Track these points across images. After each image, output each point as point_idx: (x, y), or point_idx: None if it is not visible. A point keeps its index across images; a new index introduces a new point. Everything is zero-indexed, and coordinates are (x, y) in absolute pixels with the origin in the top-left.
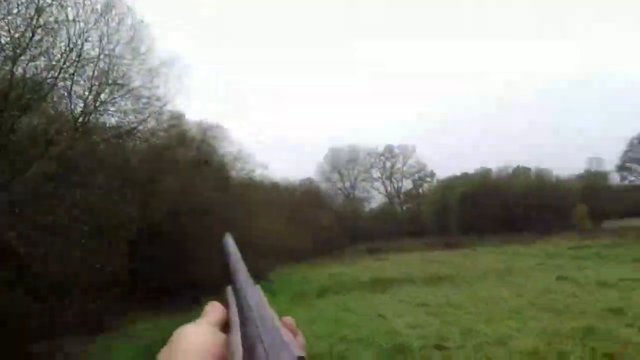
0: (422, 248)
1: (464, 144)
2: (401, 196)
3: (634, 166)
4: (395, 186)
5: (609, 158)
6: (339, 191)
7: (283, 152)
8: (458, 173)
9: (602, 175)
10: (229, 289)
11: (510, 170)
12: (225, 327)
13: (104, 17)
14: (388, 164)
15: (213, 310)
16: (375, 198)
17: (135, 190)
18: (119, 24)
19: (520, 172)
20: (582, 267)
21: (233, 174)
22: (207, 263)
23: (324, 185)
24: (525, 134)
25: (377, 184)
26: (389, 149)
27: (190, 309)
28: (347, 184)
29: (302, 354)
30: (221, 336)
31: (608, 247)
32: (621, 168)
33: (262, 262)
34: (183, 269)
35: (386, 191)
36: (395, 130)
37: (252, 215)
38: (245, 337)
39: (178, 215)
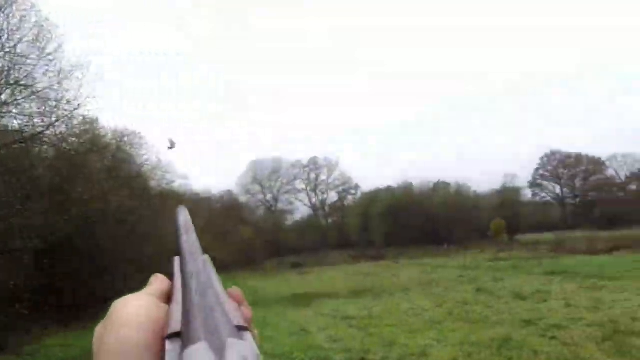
0: (347, 261)
1: (389, 158)
2: (326, 208)
3: (544, 183)
4: (320, 198)
5: (523, 175)
6: (261, 204)
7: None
8: (382, 186)
9: (517, 191)
10: (176, 259)
11: (431, 185)
12: (168, 298)
13: (3, 12)
14: (313, 176)
15: (156, 282)
16: (300, 210)
17: (43, 199)
18: (21, 20)
19: (441, 187)
20: (498, 279)
21: (153, 183)
22: (124, 276)
23: (244, 198)
24: (446, 150)
25: (302, 196)
26: (314, 161)
27: None
28: (270, 196)
29: (243, 323)
30: (162, 307)
31: (523, 260)
32: (533, 184)
33: None
34: (97, 282)
35: (311, 203)
36: (322, 143)
37: (171, 226)
38: (185, 306)
39: (91, 225)
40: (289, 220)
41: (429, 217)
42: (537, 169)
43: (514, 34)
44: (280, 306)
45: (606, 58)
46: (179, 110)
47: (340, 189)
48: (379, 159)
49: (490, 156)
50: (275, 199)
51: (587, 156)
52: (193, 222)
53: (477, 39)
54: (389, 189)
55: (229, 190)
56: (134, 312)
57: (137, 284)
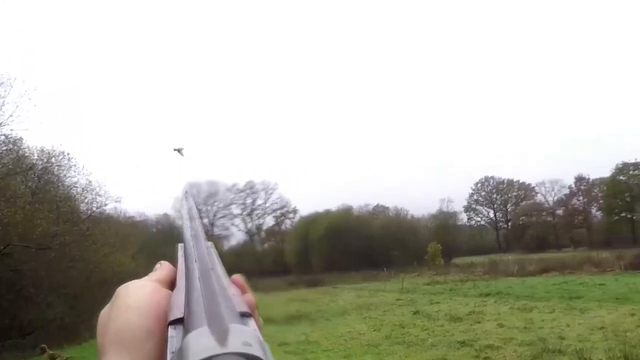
0: (285, 287)
1: (327, 182)
2: (262, 233)
3: (478, 208)
4: (256, 223)
5: (458, 199)
6: None
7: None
8: (321, 210)
9: (453, 215)
10: (180, 246)
11: (370, 209)
12: (172, 284)
13: None
14: (249, 200)
15: (160, 268)
16: (236, 235)
17: None
18: None
19: (380, 211)
20: (435, 302)
21: (82, 207)
22: (49, 304)
23: (180, 222)
24: (385, 174)
25: (237, 221)
26: (250, 185)
27: (29, 356)
28: (206, 221)
29: (246, 309)
30: (165, 292)
31: (458, 283)
32: (468, 209)
33: None
34: (19, 312)
35: (247, 228)
36: (259, 166)
37: (103, 252)
38: (187, 292)
39: (12, 251)
40: (225, 246)
41: (367, 241)
42: (471, 194)
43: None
44: None
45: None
46: (115, 131)
47: (278, 212)
48: (318, 182)
49: (428, 180)
50: (212, 224)
51: (518, 182)
52: (129, 248)
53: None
54: (327, 213)
55: (165, 214)
56: (137, 297)
57: (65, 311)
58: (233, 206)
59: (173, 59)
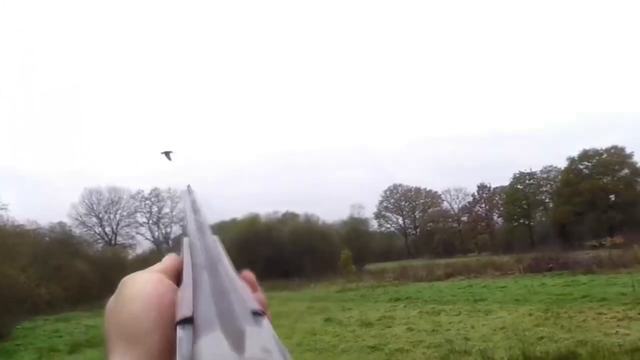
0: None
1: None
2: (170, 242)
3: (388, 214)
4: (164, 232)
5: (370, 206)
6: (99, 237)
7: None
8: (226, 218)
9: (364, 222)
10: (185, 239)
11: (279, 216)
12: (177, 276)
13: None
14: (155, 208)
15: (167, 260)
16: (142, 244)
17: None
18: None
19: (289, 218)
20: (347, 308)
21: None
22: None
23: (79, 230)
24: (293, 181)
25: (143, 229)
26: (156, 193)
27: None
28: (108, 229)
29: (258, 307)
30: (170, 284)
31: (370, 289)
32: (378, 216)
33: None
34: None
35: (153, 237)
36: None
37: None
38: (196, 289)
39: None
40: (131, 255)
41: (277, 249)
42: (381, 202)
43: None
44: None
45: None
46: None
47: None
48: (226, 190)
49: (338, 187)
50: (115, 233)
51: (425, 190)
52: (19, 258)
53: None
54: (234, 221)
55: (60, 222)
56: (142, 288)
57: None
58: (138, 214)
59: None
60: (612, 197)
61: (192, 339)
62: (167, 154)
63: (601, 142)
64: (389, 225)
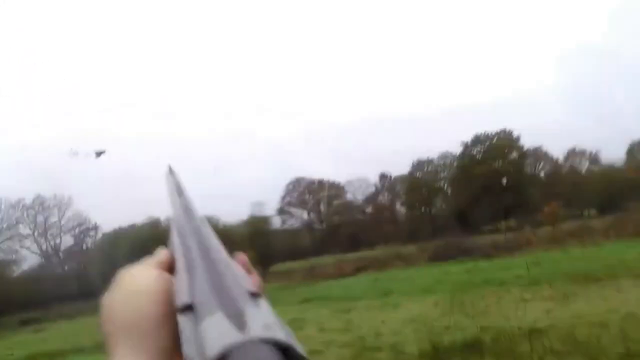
0: (93, 312)
1: (130, 193)
2: (61, 254)
3: (292, 210)
4: (52, 243)
5: (271, 202)
6: None
7: None
8: (125, 224)
9: (266, 220)
10: (172, 224)
11: None
12: (170, 269)
13: None
14: (40, 218)
15: (159, 253)
16: (28, 259)
17: None
18: None
19: None
20: None
21: None
22: None
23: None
24: (188, 182)
25: (28, 242)
26: (40, 201)
27: None
28: None
29: (256, 290)
30: (167, 277)
31: (278, 290)
32: (281, 212)
33: None
34: None
35: (41, 250)
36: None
37: None
38: (191, 274)
39: None
40: (16, 271)
41: None
42: (283, 197)
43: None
44: None
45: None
46: None
47: (77, 230)
48: (120, 194)
49: (236, 184)
50: None
51: (328, 182)
52: None
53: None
54: (133, 227)
55: None
56: (147, 282)
57: None
58: (20, 226)
59: None
60: (504, 180)
61: (194, 324)
62: (98, 153)
63: (492, 126)
64: (293, 221)
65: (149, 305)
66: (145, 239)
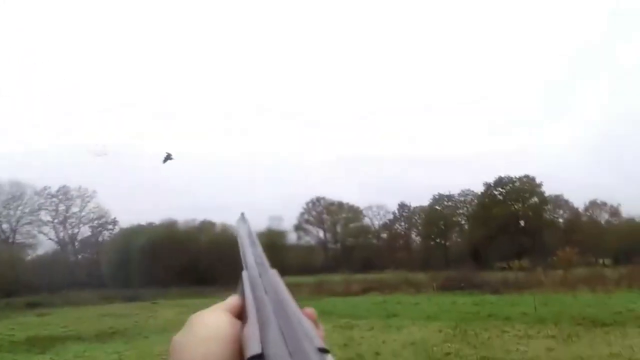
0: (98, 301)
1: (150, 192)
2: (76, 244)
3: (308, 227)
4: (70, 232)
5: (288, 218)
6: None
7: None
8: (143, 222)
9: (282, 234)
10: (244, 274)
11: (196, 223)
12: (240, 315)
13: None
14: (62, 207)
15: (231, 299)
16: (44, 244)
17: None
18: None
19: (206, 226)
20: None
21: None
22: None
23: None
24: (211, 189)
25: (47, 229)
26: (65, 191)
27: None
28: (6, 226)
29: (323, 345)
30: (237, 323)
31: None
32: (298, 228)
33: None
34: None
35: (58, 237)
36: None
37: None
38: (263, 326)
39: None
40: (30, 255)
41: (193, 257)
42: (302, 214)
43: None
44: (8, 353)
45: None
46: None
47: (95, 222)
48: (143, 193)
49: (256, 197)
50: (14, 230)
51: (347, 204)
52: None
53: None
54: (150, 226)
55: None
56: (217, 328)
57: None
58: (42, 212)
59: None
60: (522, 222)
61: None
62: (167, 157)
63: (515, 171)
64: (309, 239)
65: (218, 352)
66: (161, 237)
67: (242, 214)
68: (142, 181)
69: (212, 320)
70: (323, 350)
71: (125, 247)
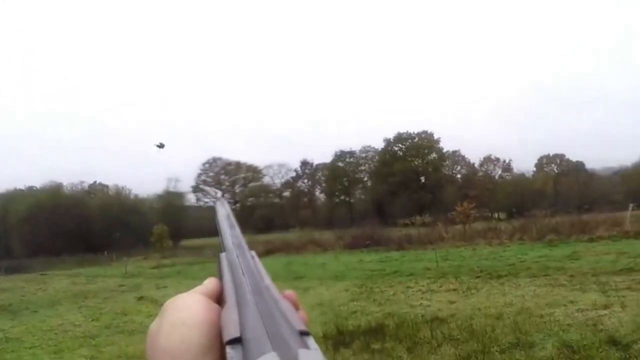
0: None
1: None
2: None
3: (206, 188)
4: None
5: (187, 179)
6: None
7: None
8: (22, 187)
9: (180, 196)
10: (222, 256)
11: (85, 187)
12: (218, 299)
13: None
14: None
15: (209, 282)
16: None
17: None
18: None
19: (97, 189)
20: (161, 286)
21: None
22: None
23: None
24: (101, 150)
25: None
26: None
27: None
28: None
29: (305, 328)
30: (215, 307)
31: (187, 265)
32: (196, 189)
33: None
34: None
35: None
36: None
37: None
38: (241, 309)
39: None
40: None
41: (83, 222)
42: (199, 175)
43: None
44: None
45: None
46: None
47: None
48: (17, 156)
49: (152, 158)
50: None
51: (246, 164)
52: None
53: None
54: (31, 190)
55: None
56: (192, 312)
57: None
58: None
59: None
60: (422, 178)
61: (243, 358)
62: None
63: (414, 127)
64: (207, 200)
65: (194, 336)
66: (44, 203)
67: (221, 194)
68: (19, 142)
69: (187, 305)
70: (303, 333)
71: (4, 215)
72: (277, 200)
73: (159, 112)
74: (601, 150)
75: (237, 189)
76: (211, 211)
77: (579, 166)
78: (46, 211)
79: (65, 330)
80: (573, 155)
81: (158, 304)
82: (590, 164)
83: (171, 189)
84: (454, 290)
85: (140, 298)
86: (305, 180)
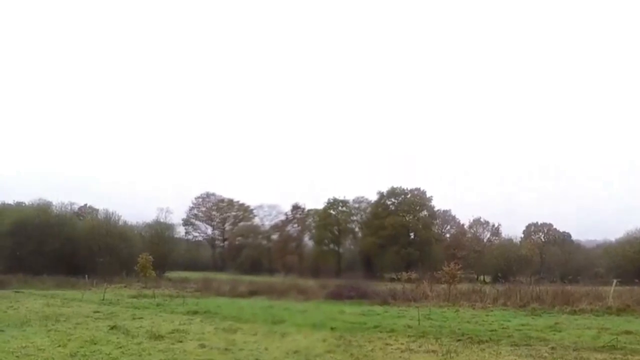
0: None
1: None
2: None
3: (197, 222)
4: None
5: (178, 212)
6: None
7: None
8: (10, 202)
9: (170, 227)
10: None
11: (75, 208)
12: None
13: None
14: None
15: None
16: None
17: None
18: None
19: (87, 212)
20: (138, 316)
21: None
22: None
23: None
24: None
25: None
26: None
27: None
28: None
29: None
30: None
31: (168, 298)
32: (187, 223)
33: None
34: None
35: None
36: None
37: None
38: None
39: None
40: None
41: (68, 243)
42: (191, 208)
43: None
44: None
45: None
46: None
47: None
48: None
49: (147, 188)
50: None
51: (238, 202)
52: None
53: None
54: (19, 206)
55: None
56: None
57: None
58: None
59: None
60: (412, 235)
61: None
62: None
63: (407, 183)
64: (197, 234)
65: None
66: (30, 220)
67: None
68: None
69: None
70: None
71: None
72: (265, 242)
73: (158, 143)
74: (587, 223)
75: (227, 226)
76: (198, 245)
77: (565, 237)
78: (31, 228)
79: (28, 354)
80: (560, 226)
81: (130, 335)
82: (576, 236)
83: (161, 220)
84: (434, 352)
85: (113, 327)
86: (295, 225)
